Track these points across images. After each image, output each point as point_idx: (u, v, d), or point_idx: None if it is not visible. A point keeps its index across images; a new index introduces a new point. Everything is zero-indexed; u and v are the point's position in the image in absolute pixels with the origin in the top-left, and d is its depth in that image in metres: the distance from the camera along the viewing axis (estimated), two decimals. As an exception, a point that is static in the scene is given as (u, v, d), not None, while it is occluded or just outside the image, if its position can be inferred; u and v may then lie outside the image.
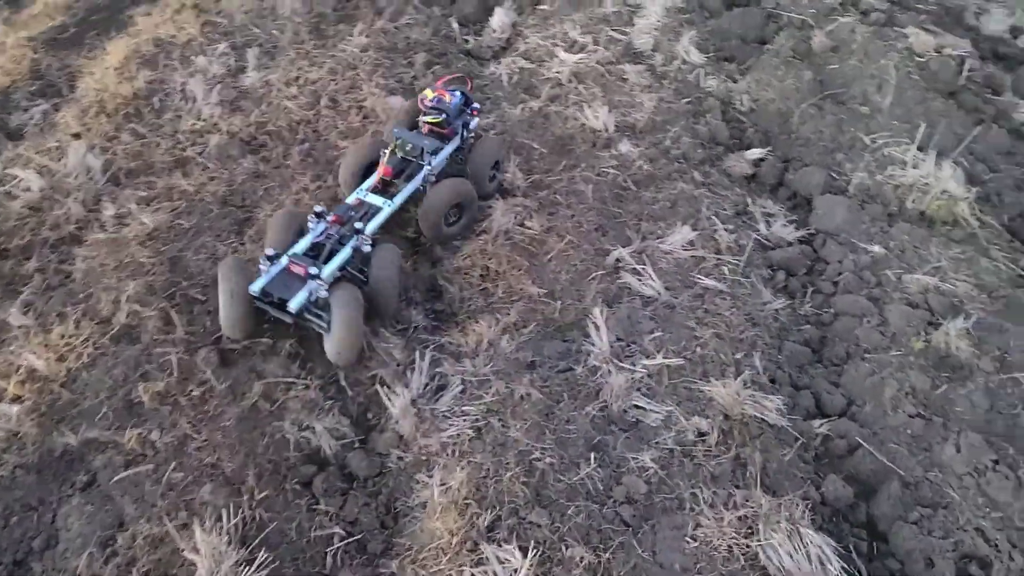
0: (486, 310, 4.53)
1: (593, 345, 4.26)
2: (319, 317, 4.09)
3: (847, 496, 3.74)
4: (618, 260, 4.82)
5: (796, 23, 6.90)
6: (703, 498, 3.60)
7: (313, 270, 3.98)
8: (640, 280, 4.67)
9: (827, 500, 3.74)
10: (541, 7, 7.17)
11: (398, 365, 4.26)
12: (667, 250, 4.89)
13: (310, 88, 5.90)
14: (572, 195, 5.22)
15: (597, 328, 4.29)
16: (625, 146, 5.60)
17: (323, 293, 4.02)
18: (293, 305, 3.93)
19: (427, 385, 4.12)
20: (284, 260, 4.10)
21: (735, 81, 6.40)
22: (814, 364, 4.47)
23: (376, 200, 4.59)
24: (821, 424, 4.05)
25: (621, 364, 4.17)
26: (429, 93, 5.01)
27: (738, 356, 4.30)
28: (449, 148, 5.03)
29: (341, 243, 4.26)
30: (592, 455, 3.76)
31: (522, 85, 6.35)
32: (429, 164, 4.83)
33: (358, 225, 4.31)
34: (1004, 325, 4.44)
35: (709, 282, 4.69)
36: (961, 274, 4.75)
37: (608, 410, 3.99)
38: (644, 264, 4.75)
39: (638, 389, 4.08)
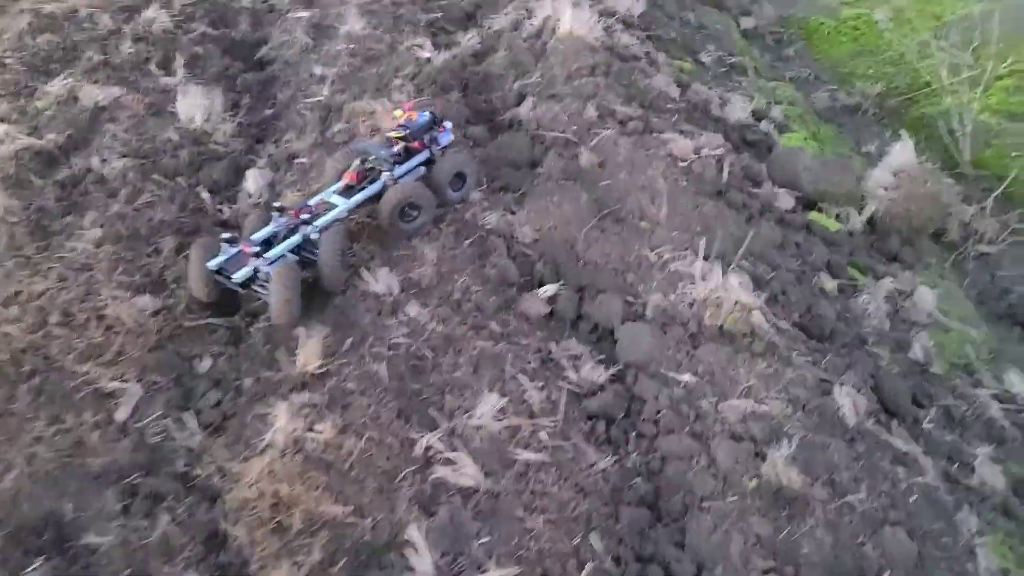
0: (283, 553, 3.84)
1: (415, 571, 3.70)
2: (263, 288, 4.91)
3: None
4: (427, 449, 4.32)
5: (561, 142, 6.88)
6: None
7: (256, 250, 4.84)
8: (455, 470, 4.18)
9: None
10: (298, 160, 6.70)
11: (185, 653, 3.48)
12: (478, 425, 4.45)
13: (35, 304, 4.99)
14: (365, 379, 4.68)
15: (416, 550, 3.74)
16: (414, 308, 5.16)
17: (265, 268, 4.84)
18: (237, 276, 4.79)
19: (224, 678, 3.37)
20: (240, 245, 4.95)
21: (513, 213, 6.20)
22: (654, 526, 4.16)
23: (337, 200, 5.39)
24: (677, 604, 3.71)
25: (451, 588, 3.64)
26: (399, 113, 5.84)
27: (575, 542, 3.90)
28: (416, 159, 5.79)
29: (292, 232, 5.12)
30: None
31: (290, 253, 5.80)
32: (390, 171, 5.54)
33: (305, 217, 5.10)
34: (825, 442, 4.37)
35: (529, 455, 4.29)
36: (772, 391, 4.68)
37: (446, 654, 3.43)
38: (456, 449, 4.28)
39: (476, 615, 3.56)
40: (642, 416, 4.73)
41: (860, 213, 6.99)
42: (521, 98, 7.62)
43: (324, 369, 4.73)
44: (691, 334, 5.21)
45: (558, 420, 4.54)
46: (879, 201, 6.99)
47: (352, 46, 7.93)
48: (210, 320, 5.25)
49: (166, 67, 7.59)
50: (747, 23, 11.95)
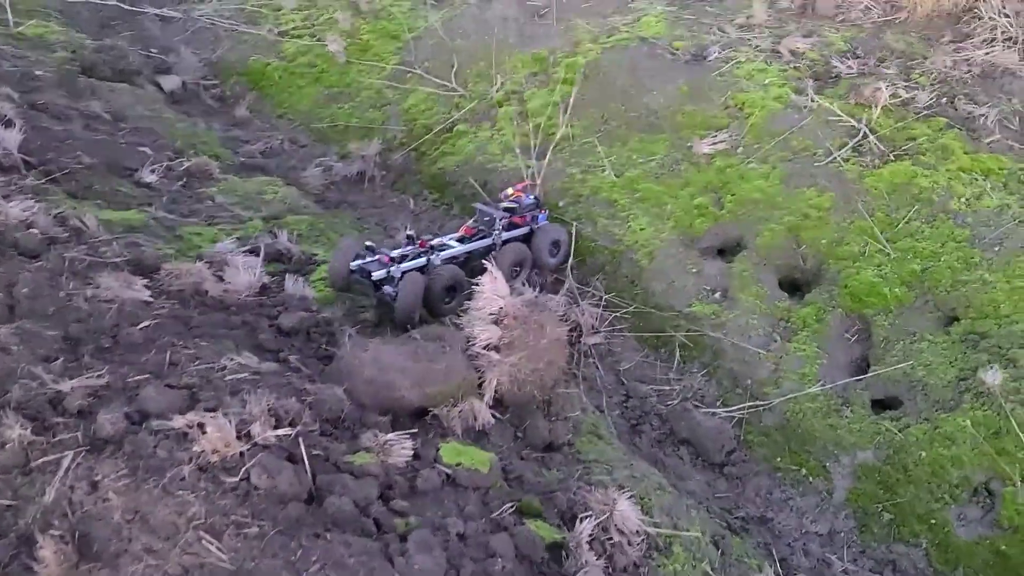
0: None
1: None
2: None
3: None
4: None
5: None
6: None
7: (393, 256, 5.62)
8: None
9: None
10: None
11: None
12: None
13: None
14: None
15: None
16: None
17: (397, 274, 5.45)
18: (376, 275, 5.38)
19: None
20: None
21: None
22: None
23: (452, 244, 6.11)
24: None
25: None
26: (510, 191, 6.49)
27: None
28: (518, 231, 6.49)
29: (418, 256, 5.74)
30: None
31: None
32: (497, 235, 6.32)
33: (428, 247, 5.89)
34: None
35: None
36: None
37: None
38: None
39: None
40: None
41: (482, 398, 4.94)
42: None
43: None
44: None
45: None
46: (497, 371, 5.02)
47: None
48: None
49: None
50: (171, 83, 8.85)
